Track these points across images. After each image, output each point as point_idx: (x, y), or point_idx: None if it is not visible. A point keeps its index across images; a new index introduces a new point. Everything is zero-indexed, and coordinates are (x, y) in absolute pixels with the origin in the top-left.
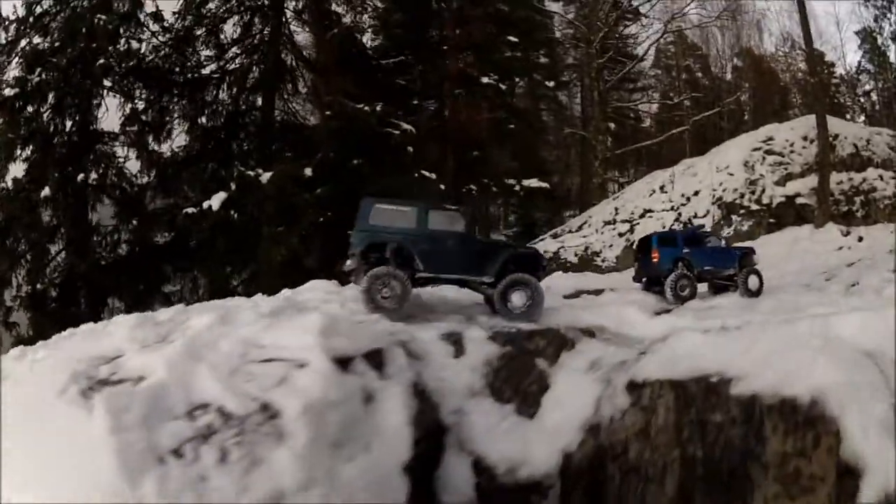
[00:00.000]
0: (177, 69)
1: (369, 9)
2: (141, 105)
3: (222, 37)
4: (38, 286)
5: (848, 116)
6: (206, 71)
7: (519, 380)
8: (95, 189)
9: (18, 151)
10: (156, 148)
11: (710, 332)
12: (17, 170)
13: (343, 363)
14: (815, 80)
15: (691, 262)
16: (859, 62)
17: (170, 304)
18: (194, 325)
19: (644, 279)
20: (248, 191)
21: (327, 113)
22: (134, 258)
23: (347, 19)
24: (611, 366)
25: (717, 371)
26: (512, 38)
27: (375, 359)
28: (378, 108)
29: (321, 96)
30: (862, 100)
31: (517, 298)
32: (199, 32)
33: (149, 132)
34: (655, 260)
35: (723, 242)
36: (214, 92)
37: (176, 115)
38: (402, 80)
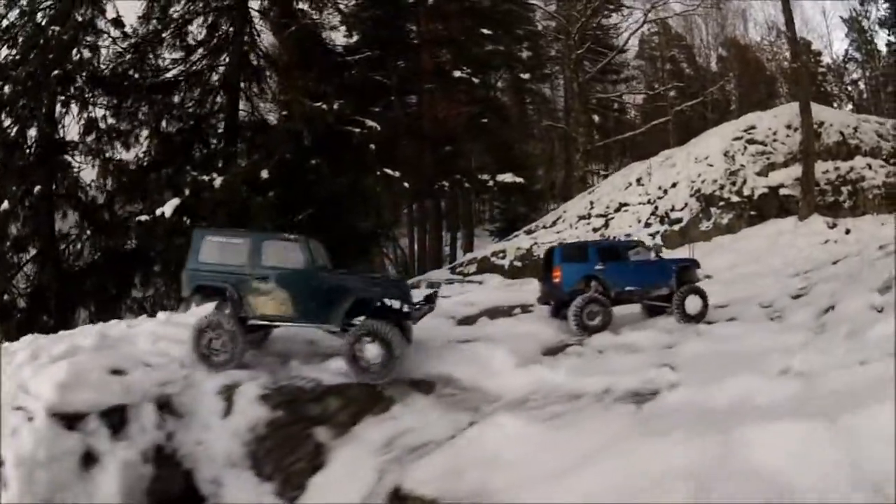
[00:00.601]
0: (137, 75)
1: (333, 6)
2: (101, 113)
3: (188, 39)
4: (6, 297)
5: (835, 105)
6: (169, 74)
7: (285, 454)
8: (59, 199)
9: None
10: (118, 155)
11: (532, 422)
12: None
13: (71, 420)
14: (798, 65)
15: (606, 282)
16: (846, 50)
17: (140, 311)
18: None
19: (549, 302)
20: (201, 196)
21: (283, 113)
22: (99, 266)
23: (315, 16)
24: (406, 449)
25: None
26: (486, 31)
27: (115, 417)
28: (335, 107)
29: (280, 96)
30: (849, 88)
31: (370, 352)
32: (164, 35)
33: (108, 140)
34: (557, 280)
35: (652, 255)
36: (177, 96)
37: (137, 122)
38: (377, 77)
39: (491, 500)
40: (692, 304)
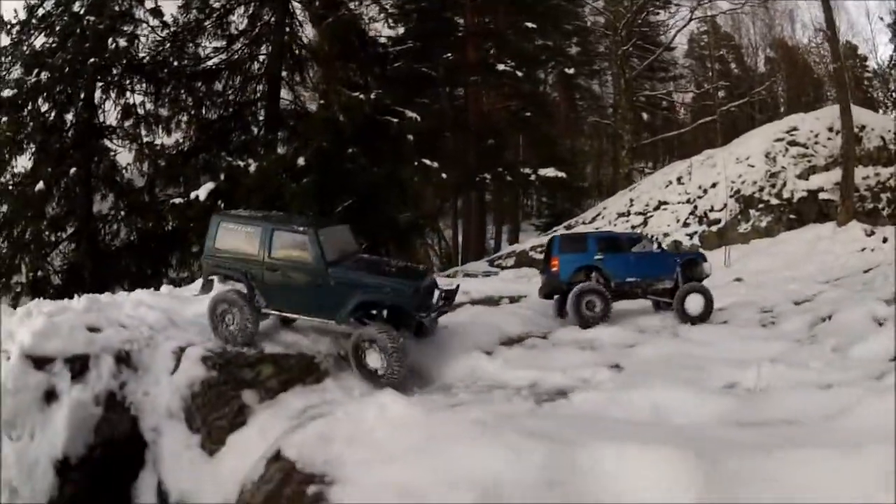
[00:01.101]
0: (177, 63)
1: None
2: (139, 99)
3: (231, 28)
4: (40, 273)
5: (881, 112)
6: (210, 63)
7: (212, 411)
8: (97, 180)
9: (25, 146)
10: (157, 140)
11: (412, 405)
12: (26, 163)
13: (40, 362)
14: (838, 65)
15: (606, 272)
16: (892, 56)
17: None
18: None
19: (549, 294)
20: (237, 181)
21: (321, 102)
22: (135, 246)
23: (355, 8)
24: (312, 417)
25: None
26: (531, 25)
27: (77, 363)
28: (373, 97)
29: (318, 85)
30: (895, 95)
31: (371, 359)
32: (205, 24)
33: (147, 125)
34: (555, 269)
35: (655, 246)
36: (219, 84)
37: (178, 108)
38: (423, 68)
39: (337, 471)
40: (693, 303)
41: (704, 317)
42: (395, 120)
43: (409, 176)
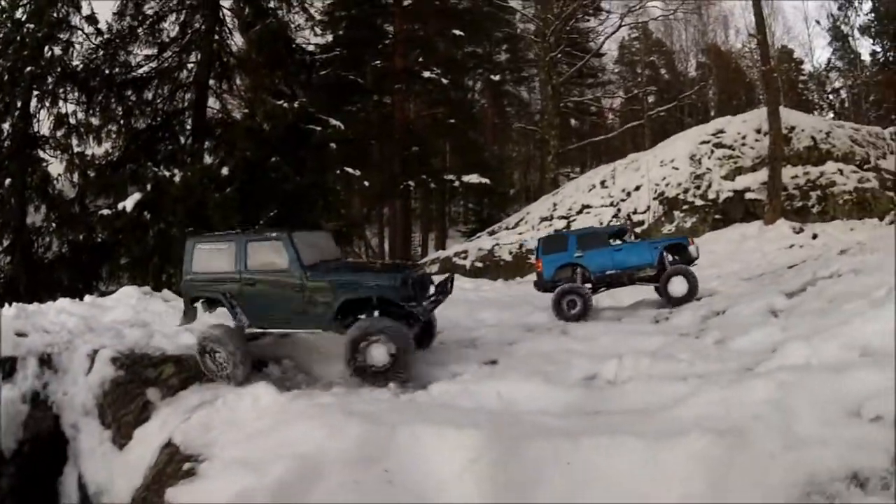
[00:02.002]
0: (109, 71)
1: (300, 5)
2: (72, 108)
3: (162, 36)
4: None
5: (816, 113)
6: (141, 71)
7: (120, 407)
8: (30, 191)
9: None
10: (88, 150)
11: (281, 394)
12: None
13: None
14: (767, 68)
15: (585, 269)
16: (829, 59)
17: None
18: None
19: (544, 291)
20: (163, 192)
21: (245, 111)
22: (67, 259)
23: (283, 15)
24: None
25: None
26: (458, 33)
27: (6, 365)
28: (296, 105)
29: (244, 94)
30: (831, 97)
31: (377, 354)
32: (138, 32)
33: (79, 135)
34: (540, 270)
35: (631, 237)
36: (148, 92)
37: (108, 117)
38: (352, 76)
39: (210, 450)
40: (677, 286)
41: (689, 297)
42: (319, 128)
43: (332, 184)
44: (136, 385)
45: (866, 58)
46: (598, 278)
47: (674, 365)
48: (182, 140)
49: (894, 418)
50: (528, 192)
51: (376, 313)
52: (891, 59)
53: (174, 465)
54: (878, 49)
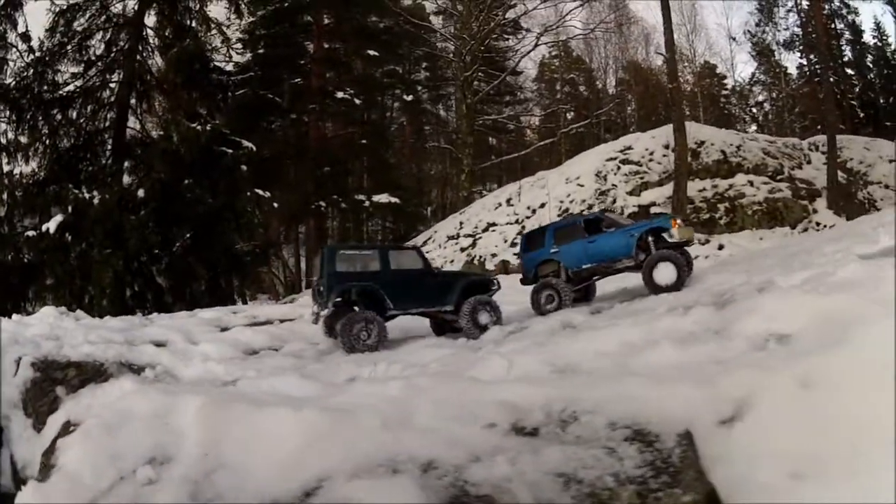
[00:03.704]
0: (37, 89)
1: (217, 27)
2: (2, 127)
3: (90, 53)
4: None
5: (738, 127)
6: (67, 89)
7: (37, 401)
8: None
9: None
10: (16, 170)
11: (142, 385)
12: None
13: None
14: (675, 84)
15: (562, 264)
16: (753, 73)
17: None
18: None
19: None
20: (83, 214)
21: (160, 133)
22: None
23: (202, 35)
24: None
25: None
26: (373, 53)
27: None
28: (209, 127)
29: (162, 115)
30: (754, 110)
31: (483, 317)
32: (67, 48)
33: (8, 154)
34: (522, 269)
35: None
36: (73, 111)
37: (36, 136)
38: (270, 95)
39: (85, 419)
40: (663, 272)
41: (679, 285)
42: (231, 151)
43: (243, 206)
44: (49, 384)
45: (793, 71)
46: (574, 274)
47: (404, 370)
48: (103, 161)
49: (510, 429)
50: (445, 209)
51: None
52: (818, 71)
53: (64, 431)
54: (805, 62)
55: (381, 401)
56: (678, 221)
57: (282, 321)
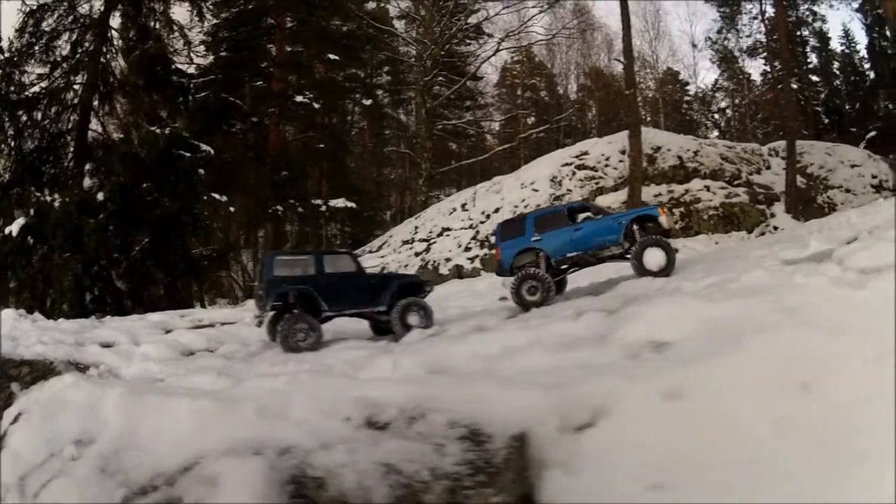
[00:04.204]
0: (4, 91)
1: (179, 30)
2: None
3: (56, 54)
4: None
5: (700, 133)
6: (33, 90)
7: None
8: None
9: None
10: None
11: (82, 380)
12: None
13: None
14: (629, 92)
15: (545, 253)
16: (716, 80)
17: None
18: None
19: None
20: (44, 217)
21: (120, 136)
22: None
23: (165, 37)
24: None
25: None
26: (333, 57)
27: None
28: (168, 131)
29: (123, 117)
30: (717, 116)
31: (412, 318)
32: (35, 49)
33: None
34: (498, 258)
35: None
36: (37, 112)
37: (1, 139)
38: (232, 98)
39: (30, 408)
40: (652, 257)
41: (668, 270)
42: (189, 154)
43: (200, 210)
44: (4, 381)
45: (757, 78)
46: (558, 263)
47: (311, 368)
48: (65, 163)
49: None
50: (404, 214)
51: None
52: (781, 76)
53: (14, 420)
54: (769, 69)
55: (266, 393)
56: (664, 210)
57: (223, 324)
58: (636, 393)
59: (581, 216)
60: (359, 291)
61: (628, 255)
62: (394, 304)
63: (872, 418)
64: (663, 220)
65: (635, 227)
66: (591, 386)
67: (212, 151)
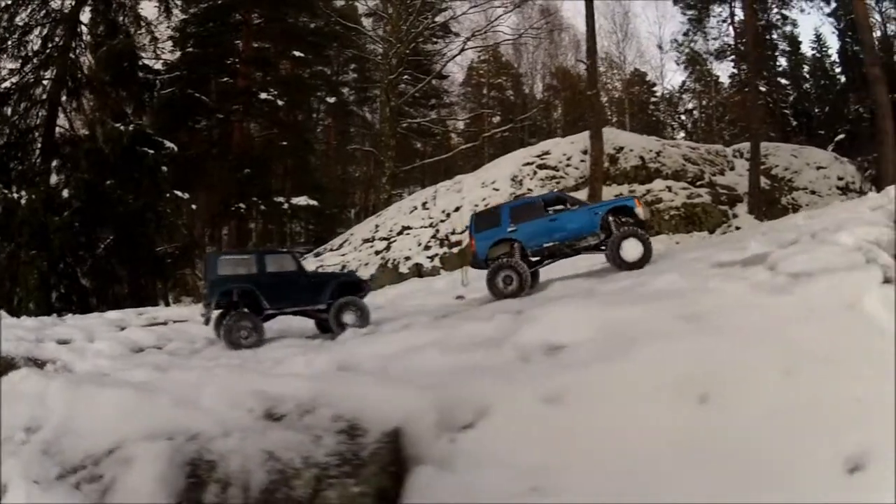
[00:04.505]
0: None
1: (146, 26)
2: None
3: (28, 48)
4: None
5: (666, 133)
6: (3, 86)
7: None
8: None
9: None
10: None
11: (43, 376)
12: None
13: None
14: (592, 92)
15: (520, 243)
16: (683, 82)
17: None
18: None
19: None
20: (12, 213)
21: (85, 133)
22: None
23: (133, 32)
24: None
25: None
26: (298, 54)
27: None
28: (131, 128)
29: (90, 113)
30: (683, 117)
31: (348, 317)
32: (7, 44)
33: None
34: (473, 249)
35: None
36: (7, 108)
37: None
38: (198, 94)
39: None
40: (629, 249)
41: (643, 262)
42: (152, 151)
43: (164, 207)
44: None
45: (725, 80)
46: (535, 253)
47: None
48: (32, 159)
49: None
50: (368, 212)
51: None
52: (749, 79)
53: None
54: (737, 71)
55: (183, 385)
56: (640, 201)
57: (175, 322)
58: (516, 396)
59: (556, 207)
60: (299, 290)
61: (604, 247)
62: (333, 302)
63: (776, 434)
64: (639, 211)
65: (611, 218)
66: (472, 387)
67: (175, 148)
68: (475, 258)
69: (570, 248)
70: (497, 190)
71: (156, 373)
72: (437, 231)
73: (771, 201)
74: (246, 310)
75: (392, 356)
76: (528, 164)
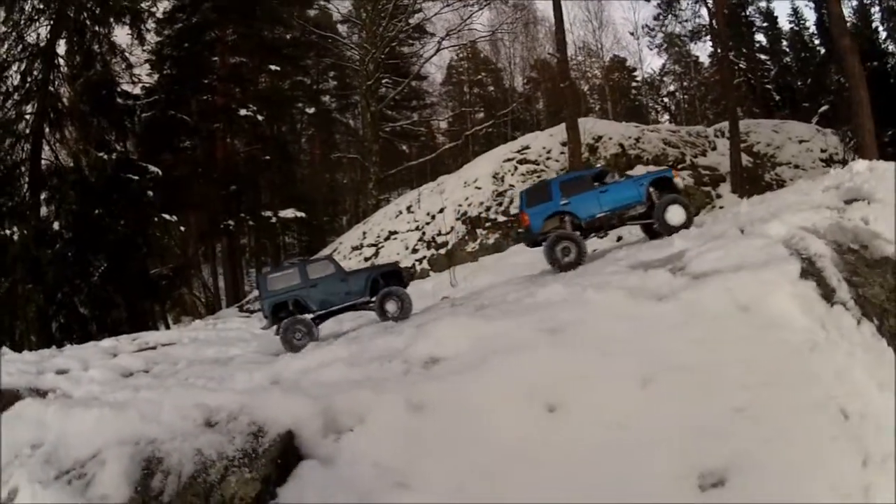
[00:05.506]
0: None
1: (121, 55)
2: None
3: (7, 84)
4: None
5: (651, 117)
6: None
7: None
8: None
9: None
10: None
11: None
12: None
13: None
14: (565, 84)
15: (574, 215)
16: (663, 64)
17: None
18: None
19: (531, 245)
20: (4, 251)
21: (70, 164)
22: None
23: (109, 60)
24: None
25: None
26: (274, 68)
27: None
28: (114, 156)
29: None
30: (666, 100)
31: (390, 306)
32: None
33: None
34: (526, 224)
35: (616, 176)
36: None
37: None
38: (179, 114)
39: None
40: (673, 214)
41: (687, 225)
42: (137, 177)
43: (152, 231)
44: None
45: (705, 60)
46: (588, 224)
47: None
48: (21, 193)
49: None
50: (359, 218)
51: None
52: (722, 58)
53: None
54: (716, 50)
55: (146, 402)
56: (678, 172)
57: (164, 345)
58: (385, 404)
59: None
60: (340, 290)
61: (648, 218)
62: (375, 292)
63: (625, 445)
64: (677, 181)
65: (651, 189)
66: (350, 397)
67: (160, 172)
68: (528, 232)
69: (618, 218)
70: (479, 188)
71: (132, 393)
72: (424, 234)
73: (754, 178)
74: (298, 315)
75: (308, 370)
76: (508, 160)
